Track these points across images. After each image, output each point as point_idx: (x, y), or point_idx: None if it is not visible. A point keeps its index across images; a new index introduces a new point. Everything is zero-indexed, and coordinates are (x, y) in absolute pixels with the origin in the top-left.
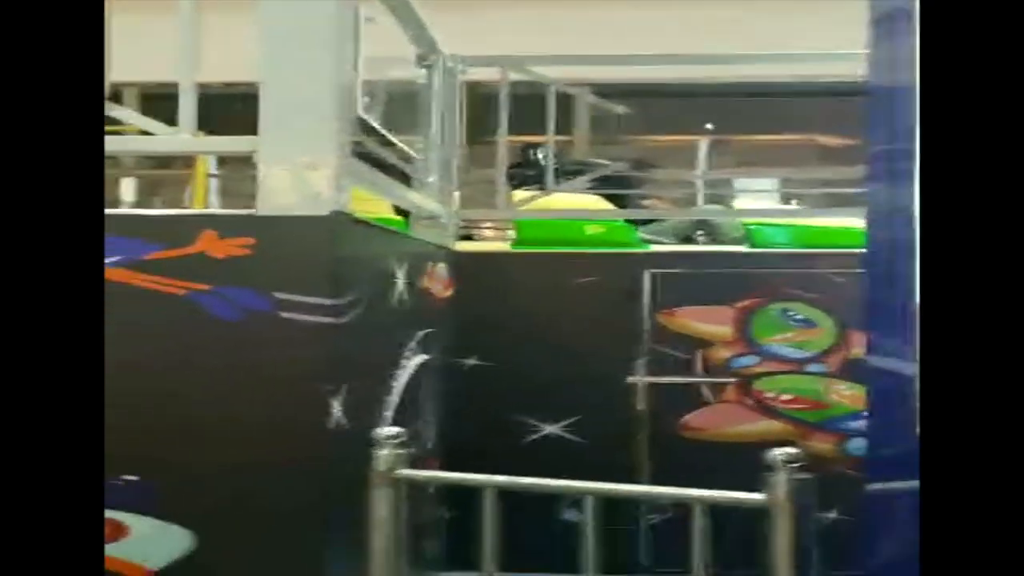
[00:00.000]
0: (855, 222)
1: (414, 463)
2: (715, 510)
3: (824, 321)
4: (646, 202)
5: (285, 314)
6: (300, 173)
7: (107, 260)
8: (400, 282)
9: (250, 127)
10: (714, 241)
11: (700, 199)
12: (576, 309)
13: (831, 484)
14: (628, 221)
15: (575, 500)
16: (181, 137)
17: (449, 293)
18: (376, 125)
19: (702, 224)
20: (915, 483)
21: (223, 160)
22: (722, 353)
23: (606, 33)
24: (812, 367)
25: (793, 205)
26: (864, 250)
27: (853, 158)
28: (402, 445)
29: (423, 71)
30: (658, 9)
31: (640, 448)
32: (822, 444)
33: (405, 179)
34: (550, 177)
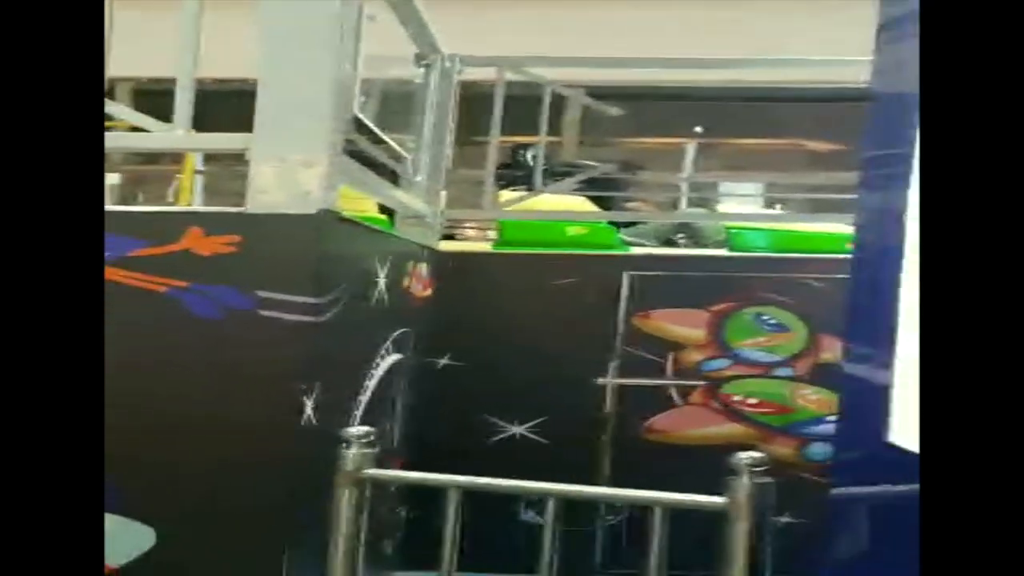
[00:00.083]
0: (836, 227)
1: (381, 462)
2: (674, 512)
3: (796, 325)
4: (631, 204)
5: (265, 312)
6: (292, 171)
7: None
8: (381, 281)
9: (236, 123)
10: (696, 244)
11: (684, 202)
12: (553, 310)
13: (788, 487)
14: (611, 223)
15: (534, 500)
16: (176, 134)
17: (428, 293)
18: (369, 124)
19: (684, 227)
20: (879, 488)
21: (209, 157)
22: (694, 356)
23: (601, 34)
24: (780, 371)
25: (776, 210)
26: (851, 255)
27: (840, 163)
28: (370, 444)
29: (420, 70)
30: (654, 10)
31: (603, 449)
32: (783, 448)
33: (393, 177)
34: (538, 178)
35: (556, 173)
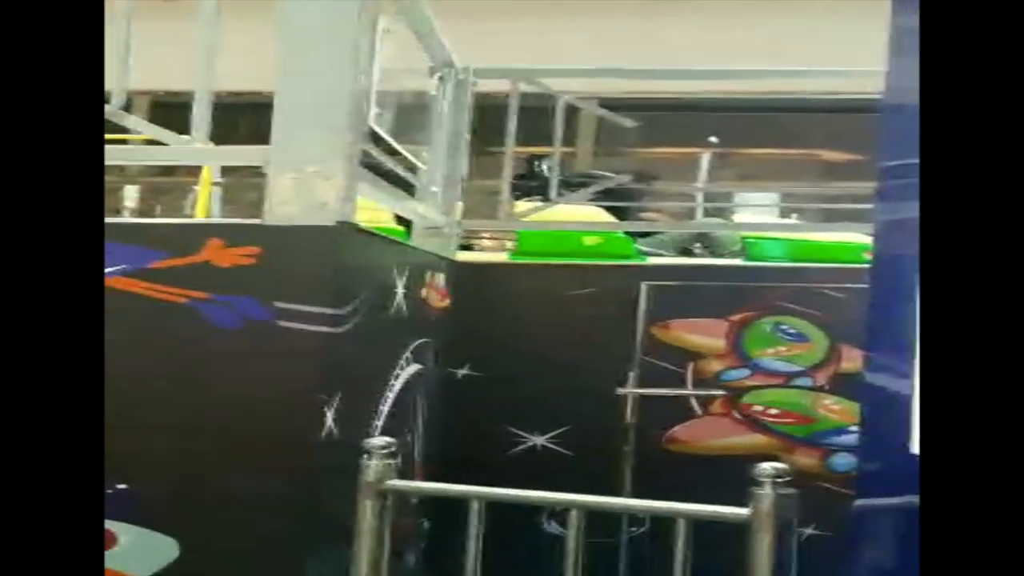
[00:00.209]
0: (853, 237)
1: (402, 473)
2: (697, 523)
3: (816, 335)
4: (647, 214)
5: (284, 323)
6: (309, 183)
7: (111, 268)
8: (399, 292)
9: (253, 136)
10: (712, 254)
11: (699, 212)
12: (571, 320)
13: (812, 499)
14: (627, 233)
15: (555, 511)
16: (194, 147)
17: (446, 303)
18: (385, 136)
19: (701, 237)
20: (904, 499)
21: (227, 168)
22: (713, 366)
23: (615, 45)
24: (801, 381)
25: (792, 219)
26: (869, 265)
27: (855, 173)
28: (391, 456)
29: (435, 82)
30: (666, 22)
31: (625, 460)
32: (806, 459)
33: (410, 188)
34: (554, 189)
35: (571, 184)
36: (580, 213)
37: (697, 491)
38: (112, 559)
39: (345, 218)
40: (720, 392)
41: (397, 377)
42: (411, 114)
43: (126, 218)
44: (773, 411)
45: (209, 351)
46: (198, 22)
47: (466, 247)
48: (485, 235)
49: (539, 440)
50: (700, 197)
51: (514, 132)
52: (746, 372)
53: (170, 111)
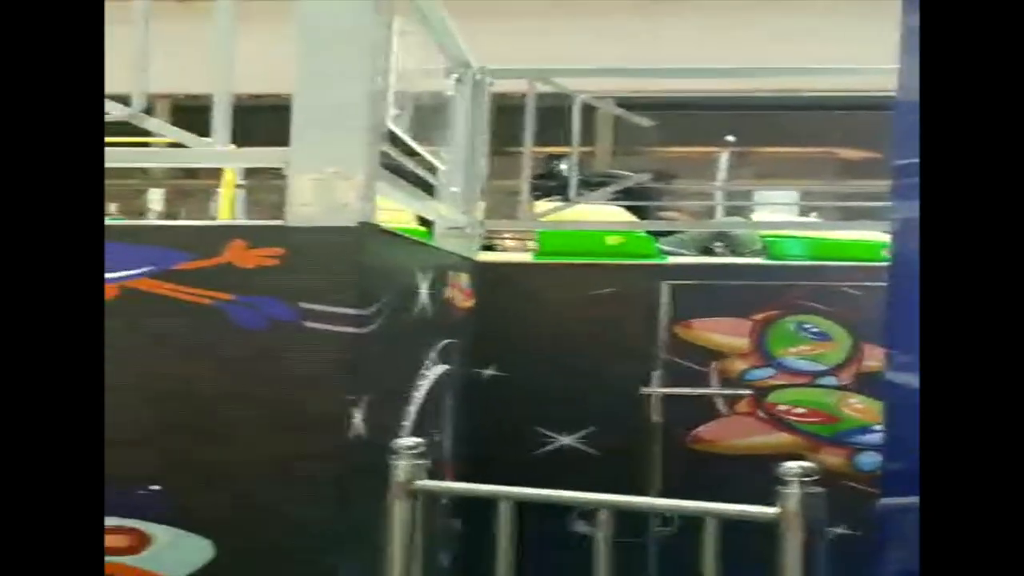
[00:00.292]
0: (873, 235)
1: (432, 474)
2: (725, 523)
3: (839, 334)
4: (666, 213)
5: (310, 324)
6: (329, 184)
7: (136, 270)
8: (423, 292)
9: (273, 138)
10: (733, 253)
11: (719, 211)
12: (594, 320)
13: (839, 498)
14: (648, 232)
15: (585, 512)
16: (215, 149)
17: (470, 303)
18: (403, 136)
19: (721, 236)
20: None
21: (249, 170)
22: (737, 365)
23: (631, 45)
24: (825, 380)
25: (812, 218)
26: (888, 263)
27: (873, 171)
28: (421, 456)
29: (452, 82)
30: (682, 20)
31: (651, 460)
32: (832, 458)
33: (430, 189)
34: (573, 188)
35: (590, 183)
36: (600, 213)
37: (724, 490)
38: (147, 560)
39: (366, 218)
40: (745, 391)
41: (424, 378)
42: (430, 115)
43: (151, 220)
44: (798, 410)
45: (236, 352)
46: (215, 25)
47: (488, 247)
48: (507, 235)
49: (566, 440)
50: (719, 196)
51: (532, 132)
52: (770, 371)
53: (191, 114)
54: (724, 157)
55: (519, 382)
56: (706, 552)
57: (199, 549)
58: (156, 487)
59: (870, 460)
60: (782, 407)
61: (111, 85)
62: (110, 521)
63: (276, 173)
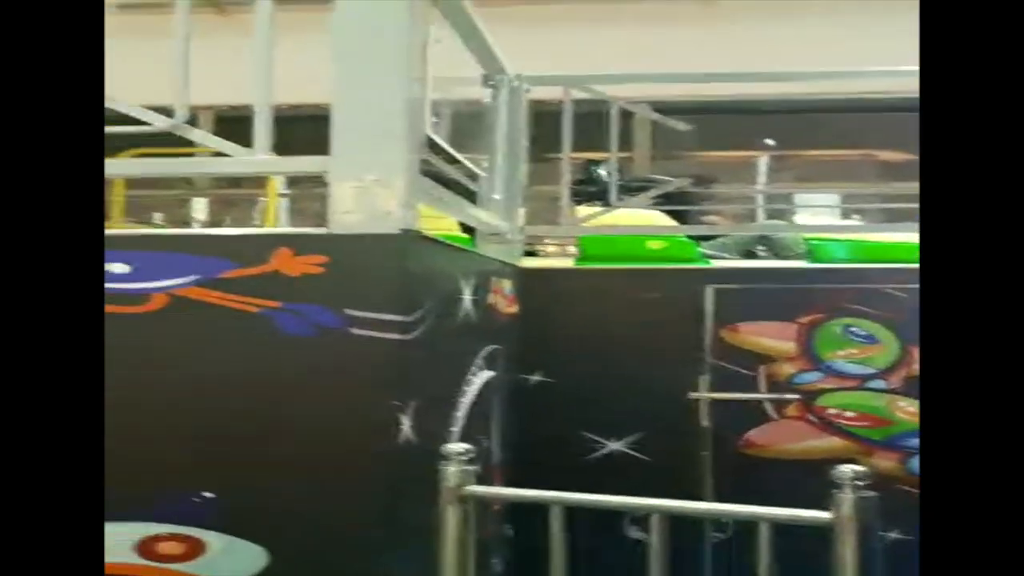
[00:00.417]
0: (915, 237)
1: (481, 480)
2: (779, 528)
3: (886, 337)
4: (707, 217)
5: (356, 330)
6: (370, 191)
7: (183, 279)
8: (467, 298)
9: (314, 147)
10: (775, 256)
11: (760, 215)
12: (639, 325)
13: (893, 502)
14: (690, 237)
15: (638, 517)
16: (257, 158)
17: (514, 309)
18: (442, 143)
19: (763, 239)
20: None
21: (292, 179)
22: (785, 369)
23: (668, 51)
24: (874, 383)
25: (854, 220)
26: None
27: (914, 173)
28: (470, 462)
29: (488, 90)
30: (719, 27)
31: (702, 465)
32: (885, 462)
33: (470, 196)
34: (613, 193)
35: (630, 188)
36: (640, 217)
37: (776, 495)
38: (201, 567)
39: (408, 226)
40: (794, 396)
41: (470, 383)
42: (468, 122)
43: (197, 229)
44: (849, 414)
45: (285, 359)
46: (255, 37)
47: (530, 253)
48: (548, 241)
49: (616, 446)
50: (760, 199)
51: (570, 138)
52: (819, 375)
53: (233, 125)
54: (763, 161)
55: (566, 388)
56: (760, 557)
57: (253, 556)
58: (209, 494)
59: None
60: (832, 411)
61: (155, 98)
62: (163, 528)
63: (318, 181)
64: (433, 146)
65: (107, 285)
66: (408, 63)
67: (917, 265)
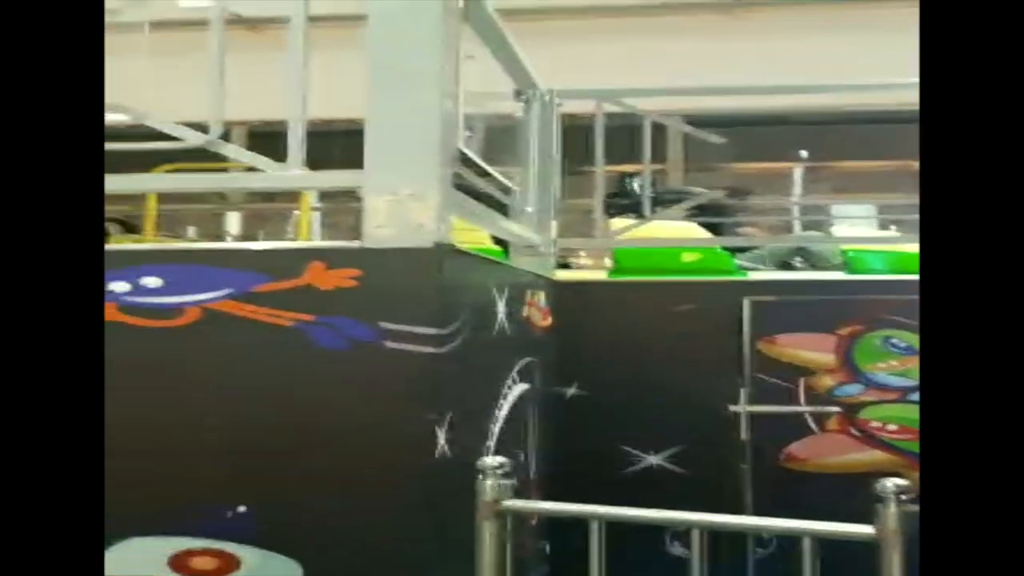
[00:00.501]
0: None
1: (518, 493)
2: (823, 543)
3: None
4: (743, 229)
5: (391, 344)
6: (403, 205)
7: (219, 292)
8: (501, 311)
9: (345, 161)
10: (812, 267)
11: (797, 226)
12: (675, 337)
13: None
14: (725, 248)
15: (679, 532)
16: (291, 173)
17: (548, 322)
18: (475, 157)
19: (800, 251)
20: None
21: (325, 192)
22: (825, 381)
23: (700, 63)
24: (916, 396)
25: (891, 231)
26: None
27: None
28: (507, 475)
29: (521, 104)
30: (751, 40)
31: (743, 479)
32: None
33: (503, 209)
34: (646, 206)
35: (663, 200)
36: (675, 229)
37: (819, 509)
38: None
39: (442, 239)
40: (835, 408)
41: (506, 396)
42: (501, 136)
43: (230, 244)
44: (891, 427)
45: (318, 372)
46: (289, 53)
47: (564, 265)
48: (582, 253)
49: (655, 459)
50: (796, 211)
51: (602, 151)
52: (860, 387)
53: (266, 140)
54: (798, 172)
55: (602, 401)
56: (804, 573)
57: (288, 570)
58: (243, 509)
59: None
60: (874, 424)
61: (190, 114)
62: (198, 543)
63: (351, 196)
64: (466, 160)
65: (140, 299)
66: (441, 79)
67: None
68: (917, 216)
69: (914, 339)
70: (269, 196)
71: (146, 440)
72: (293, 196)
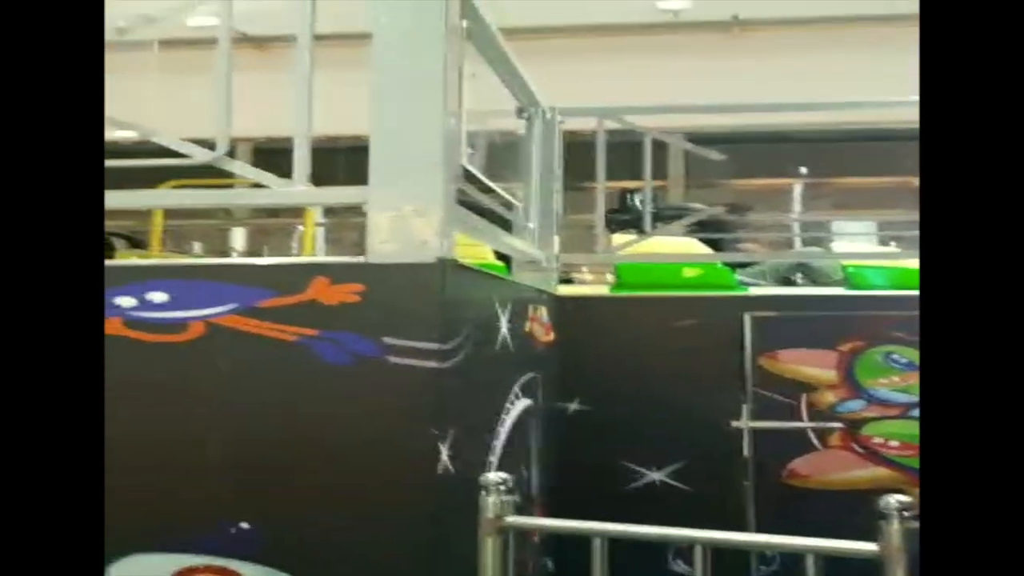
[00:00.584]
0: None
1: (520, 510)
2: (828, 560)
3: None
4: (743, 245)
5: (393, 359)
6: (407, 221)
7: (223, 308)
8: (503, 326)
9: (350, 177)
10: (813, 283)
11: (797, 242)
12: (677, 352)
13: None
14: (726, 264)
15: (682, 549)
16: (296, 189)
17: (551, 337)
18: (478, 174)
19: (801, 266)
20: None
21: (329, 209)
22: (827, 397)
23: (698, 81)
24: (918, 412)
25: (891, 247)
26: None
27: None
28: (509, 491)
29: (523, 121)
30: (747, 57)
31: (746, 496)
32: None
33: (506, 225)
34: (648, 221)
35: (664, 216)
36: (675, 245)
37: (823, 526)
38: None
39: (445, 254)
40: (837, 424)
41: (508, 412)
42: (503, 153)
43: (235, 259)
44: (894, 443)
45: (322, 387)
46: (294, 71)
47: (566, 281)
48: (585, 268)
49: (657, 475)
50: (796, 227)
51: (603, 168)
52: (862, 403)
53: (271, 156)
54: (797, 188)
55: (604, 416)
56: None
57: None
58: (245, 525)
59: None
60: (877, 440)
61: (197, 131)
62: (200, 560)
63: (354, 211)
64: (469, 176)
65: (146, 314)
66: (444, 97)
67: None
68: (917, 232)
69: (915, 355)
70: (274, 212)
71: (149, 455)
72: (297, 212)
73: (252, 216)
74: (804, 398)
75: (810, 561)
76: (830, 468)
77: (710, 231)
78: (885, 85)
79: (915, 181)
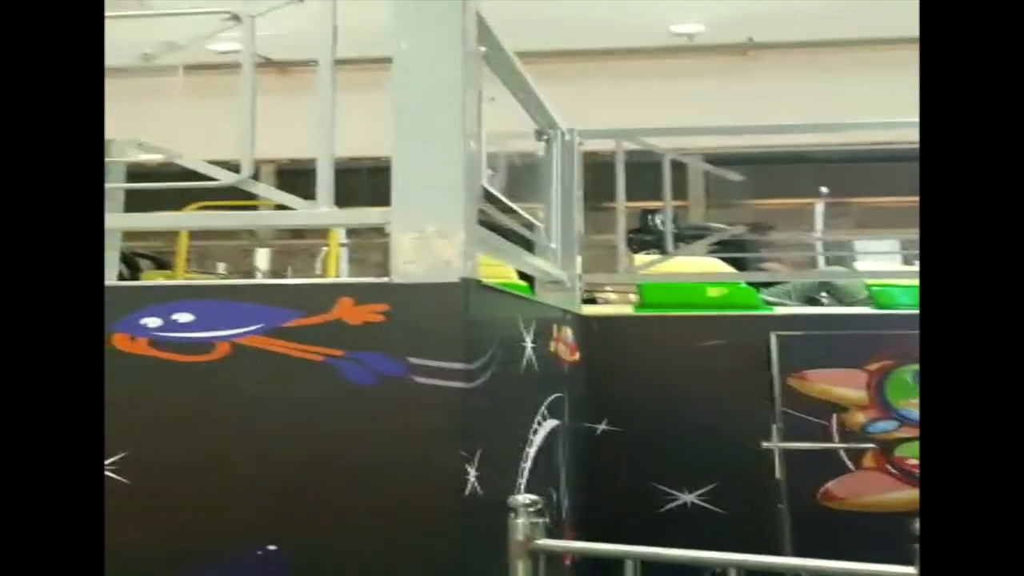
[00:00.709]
0: None
1: (550, 532)
2: None
3: None
4: (766, 264)
5: (419, 379)
6: (430, 242)
7: (249, 328)
8: (528, 346)
9: (373, 199)
10: (838, 303)
11: (821, 261)
12: (704, 372)
13: None
14: (750, 284)
15: (716, 573)
16: (320, 210)
17: (576, 356)
18: (499, 195)
19: (826, 285)
20: None
21: (352, 230)
22: (858, 418)
23: (716, 102)
24: None
25: (916, 266)
26: None
27: None
28: (539, 513)
29: (543, 143)
30: (763, 80)
31: (780, 518)
32: None
33: (528, 245)
34: (669, 241)
35: (686, 236)
36: (698, 265)
37: (859, 549)
38: None
39: (468, 275)
40: (870, 445)
41: (535, 432)
42: (525, 174)
43: (260, 279)
44: None
45: (348, 408)
46: (317, 93)
47: (590, 300)
48: (608, 288)
49: (689, 497)
50: (819, 246)
51: (623, 188)
52: (894, 424)
53: (294, 177)
54: (819, 208)
55: (633, 437)
56: None
57: None
58: (273, 547)
59: None
60: (911, 461)
61: (222, 153)
62: None
63: (378, 232)
64: (490, 197)
65: (172, 334)
66: (464, 119)
67: None
68: None
69: None
70: (298, 232)
71: (175, 476)
72: (322, 232)
73: (276, 237)
74: (835, 418)
75: None
76: (865, 490)
77: (732, 251)
78: (899, 105)
79: None
